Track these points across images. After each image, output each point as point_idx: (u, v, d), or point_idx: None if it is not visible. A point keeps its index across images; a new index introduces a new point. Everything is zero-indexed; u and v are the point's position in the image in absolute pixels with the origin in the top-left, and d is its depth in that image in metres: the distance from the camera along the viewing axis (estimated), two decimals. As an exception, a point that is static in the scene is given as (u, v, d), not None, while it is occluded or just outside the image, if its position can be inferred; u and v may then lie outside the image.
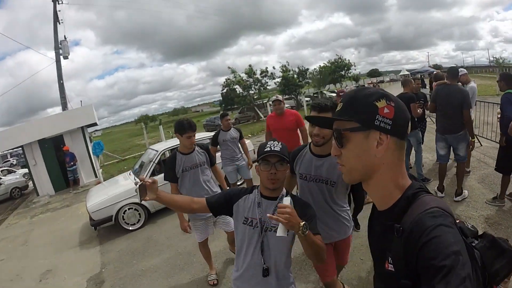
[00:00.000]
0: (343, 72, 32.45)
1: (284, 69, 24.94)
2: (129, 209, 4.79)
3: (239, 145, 4.45)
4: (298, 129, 3.84)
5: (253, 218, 1.42)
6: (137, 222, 4.88)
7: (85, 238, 5.01)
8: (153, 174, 4.95)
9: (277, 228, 1.20)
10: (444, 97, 3.53)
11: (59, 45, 13.40)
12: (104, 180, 8.33)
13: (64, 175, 9.95)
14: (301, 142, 3.85)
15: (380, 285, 0.79)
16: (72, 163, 9.65)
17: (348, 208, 1.88)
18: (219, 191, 2.84)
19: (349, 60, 32.90)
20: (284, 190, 1.49)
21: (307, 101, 20.14)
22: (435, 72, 6.24)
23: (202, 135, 5.79)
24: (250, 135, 13.56)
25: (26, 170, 11.89)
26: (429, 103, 4.11)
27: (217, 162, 3.10)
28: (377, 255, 0.79)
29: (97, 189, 5.68)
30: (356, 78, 36.99)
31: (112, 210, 4.69)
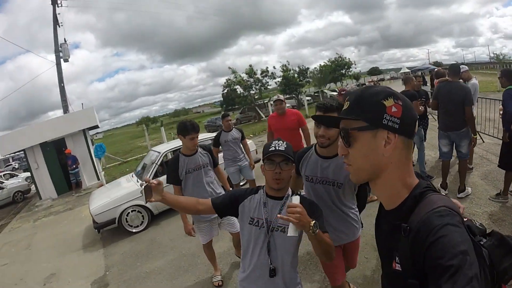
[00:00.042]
0: (343, 71, 32.49)
1: (285, 68, 24.88)
2: (132, 211, 4.80)
3: (241, 145, 4.43)
4: (300, 129, 3.83)
5: (259, 218, 1.41)
6: (141, 224, 4.88)
7: (89, 241, 5.01)
8: (156, 175, 4.93)
9: (283, 228, 1.18)
10: (446, 94, 3.53)
11: (59, 48, 13.47)
12: (106, 183, 8.36)
13: (67, 178, 9.97)
14: (303, 142, 3.85)
15: (388, 285, 0.79)
16: (74, 166, 9.66)
17: (356, 208, 1.84)
18: (223, 192, 2.83)
19: (349, 58, 33.02)
20: (290, 190, 1.47)
21: (308, 100, 20.11)
22: (436, 70, 6.22)
23: (204, 136, 5.76)
24: (251, 135, 13.53)
25: (28, 174, 11.93)
26: (431, 101, 4.11)
27: (219, 163, 3.09)
28: (385, 255, 0.79)
29: (100, 192, 5.68)
30: (356, 77, 37.03)
31: (115, 212, 4.69)
